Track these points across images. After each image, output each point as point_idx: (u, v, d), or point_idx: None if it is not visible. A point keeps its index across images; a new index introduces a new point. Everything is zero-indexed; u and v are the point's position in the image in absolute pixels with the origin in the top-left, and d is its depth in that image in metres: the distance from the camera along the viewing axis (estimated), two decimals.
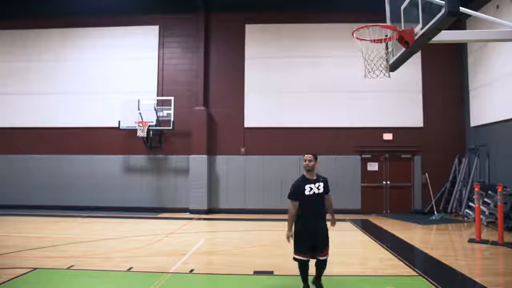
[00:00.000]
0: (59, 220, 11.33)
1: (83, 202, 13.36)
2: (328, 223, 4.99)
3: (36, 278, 5.53)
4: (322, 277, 5.03)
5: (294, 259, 4.84)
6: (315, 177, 4.87)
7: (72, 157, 13.66)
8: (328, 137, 13.12)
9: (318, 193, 4.80)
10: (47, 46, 14.11)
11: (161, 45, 13.97)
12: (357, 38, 5.38)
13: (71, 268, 6.03)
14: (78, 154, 13.66)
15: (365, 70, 5.57)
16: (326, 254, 4.84)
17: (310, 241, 4.75)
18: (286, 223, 4.87)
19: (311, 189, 4.78)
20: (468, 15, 7.12)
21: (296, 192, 4.80)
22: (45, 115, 13.86)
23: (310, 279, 5.01)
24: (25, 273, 5.62)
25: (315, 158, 4.87)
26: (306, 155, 4.87)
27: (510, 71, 10.62)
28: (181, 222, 11.31)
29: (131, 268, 6.08)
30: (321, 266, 4.90)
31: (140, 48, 13.91)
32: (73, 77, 13.93)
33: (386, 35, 5.51)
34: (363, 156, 13.33)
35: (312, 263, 4.93)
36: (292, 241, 4.85)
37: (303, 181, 4.85)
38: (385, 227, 10.41)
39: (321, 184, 4.85)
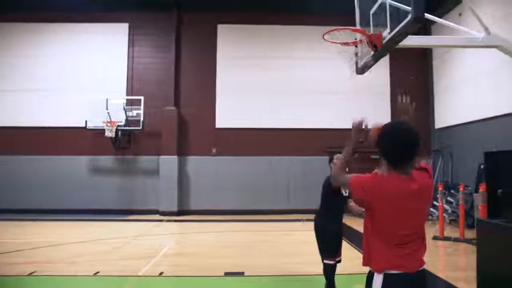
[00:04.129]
0: (20, 224, 10.80)
1: (47, 204, 12.74)
2: None
3: None
4: (321, 276, 4.79)
5: (329, 265, 4.60)
6: None
7: (34, 158, 13.02)
8: (297, 138, 13.18)
9: (346, 196, 4.57)
10: (12, 41, 13.42)
11: (131, 43, 13.63)
12: (328, 41, 5.47)
13: (33, 274, 5.74)
14: (42, 155, 13.05)
15: (337, 72, 5.67)
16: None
17: (340, 242, 4.74)
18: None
19: (346, 191, 4.49)
20: (433, 22, 7.41)
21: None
22: (5, 113, 13.15)
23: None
24: None
25: None
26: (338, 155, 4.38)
27: (469, 76, 11.12)
28: (151, 224, 11.11)
29: (98, 272, 5.89)
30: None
31: (110, 46, 13.51)
32: (38, 74, 13.27)
33: (356, 38, 5.65)
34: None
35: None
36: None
37: None
38: None
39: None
